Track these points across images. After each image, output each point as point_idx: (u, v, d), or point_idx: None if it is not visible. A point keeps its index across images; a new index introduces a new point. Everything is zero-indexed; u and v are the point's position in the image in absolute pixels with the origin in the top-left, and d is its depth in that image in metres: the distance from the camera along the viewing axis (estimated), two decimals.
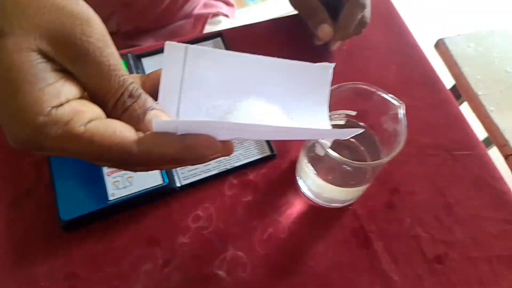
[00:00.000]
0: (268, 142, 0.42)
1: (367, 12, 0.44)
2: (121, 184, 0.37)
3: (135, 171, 0.24)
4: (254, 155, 0.41)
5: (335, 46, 0.44)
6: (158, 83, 0.24)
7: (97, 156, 0.21)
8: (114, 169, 0.37)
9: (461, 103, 0.69)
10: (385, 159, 0.31)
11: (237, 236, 0.38)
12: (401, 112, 0.32)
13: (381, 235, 0.38)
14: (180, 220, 0.38)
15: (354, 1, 0.42)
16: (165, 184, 0.37)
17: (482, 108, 0.60)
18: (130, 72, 0.43)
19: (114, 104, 0.22)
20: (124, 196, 0.37)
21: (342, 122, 0.38)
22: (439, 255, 0.38)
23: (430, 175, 0.42)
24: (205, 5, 0.73)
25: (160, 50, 0.47)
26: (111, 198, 0.36)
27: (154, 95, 0.23)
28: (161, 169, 0.25)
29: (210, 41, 0.48)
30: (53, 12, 0.20)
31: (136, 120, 0.22)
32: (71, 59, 0.21)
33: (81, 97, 0.22)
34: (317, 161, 0.36)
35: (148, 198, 0.38)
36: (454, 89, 0.67)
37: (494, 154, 0.61)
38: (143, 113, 0.22)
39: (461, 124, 0.45)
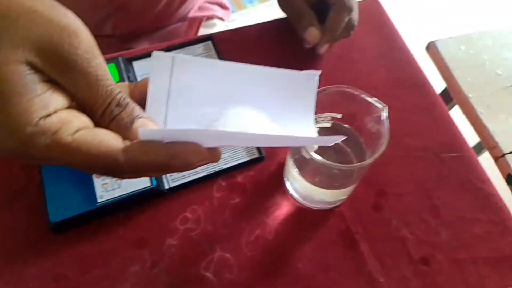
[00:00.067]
0: None
1: (355, 15, 0.44)
2: (109, 186, 0.38)
3: (123, 178, 0.24)
4: (243, 158, 0.42)
5: (323, 49, 0.45)
6: (146, 91, 0.24)
7: (84, 165, 0.22)
8: None
9: (452, 106, 0.70)
10: (367, 161, 0.31)
11: (225, 237, 0.38)
12: (384, 114, 0.32)
13: (368, 237, 0.39)
14: (168, 222, 0.38)
15: (340, 4, 0.42)
16: (153, 186, 0.38)
17: (472, 111, 0.60)
18: (121, 75, 0.43)
19: (102, 113, 0.22)
20: (112, 198, 0.37)
21: (328, 125, 0.38)
22: (425, 257, 0.38)
23: (417, 177, 0.42)
24: (200, 8, 0.74)
25: (150, 54, 0.47)
26: (99, 200, 0.37)
27: (143, 104, 0.24)
28: (148, 176, 0.25)
29: (200, 44, 0.49)
30: (42, 25, 0.20)
31: (124, 129, 0.23)
32: (59, 70, 0.21)
33: (70, 107, 0.22)
34: (303, 164, 0.36)
35: (136, 200, 0.38)
36: (445, 92, 0.67)
37: (488, 158, 0.61)
38: (130, 122, 0.23)
39: (448, 126, 0.45)
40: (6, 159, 0.40)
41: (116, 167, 0.22)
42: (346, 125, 0.37)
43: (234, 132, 0.24)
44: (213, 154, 0.24)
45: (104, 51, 0.49)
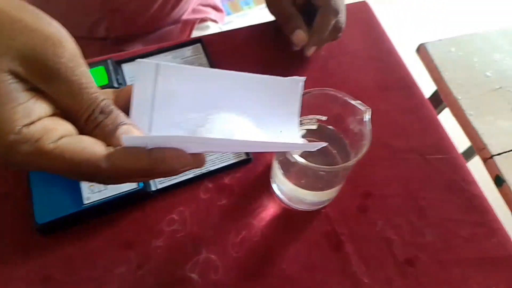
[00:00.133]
0: None
1: (342, 18, 0.44)
2: (96, 188, 0.38)
3: (106, 184, 0.24)
4: (230, 159, 0.42)
5: (311, 51, 0.45)
6: (130, 98, 0.24)
7: (67, 171, 0.22)
8: None
9: (443, 108, 0.70)
10: (350, 162, 0.32)
11: (211, 239, 0.38)
12: (367, 116, 0.33)
13: (353, 238, 0.39)
14: (154, 223, 0.39)
15: (327, 7, 0.42)
16: (140, 188, 0.38)
17: (462, 112, 0.61)
18: (110, 78, 0.43)
19: (85, 120, 0.23)
20: (99, 200, 0.37)
21: (314, 127, 0.38)
22: (410, 258, 0.38)
23: (403, 179, 0.42)
24: (194, 11, 0.74)
25: (139, 56, 0.48)
26: (86, 202, 0.37)
27: (128, 110, 0.24)
28: (132, 182, 0.26)
29: (190, 47, 0.49)
30: (26, 34, 0.21)
31: (108, 135, 0.23)
32: (43, 79, 0.22)
33: (54, 115, 0.23)
34: (288, 166, 0.36)
35: (123, 202, 0.38)
36: (436, 94, 0.68)
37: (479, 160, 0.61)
38: (114, 129, 0.23)
39: (435, 128, 0.46)
40: None
41: (99, 174, 0.22)
42: (331, 127, 0.38)
43: (217, 138, 0.25)
44: (197, 159, 0.24)
45: (98, 54, 0.49)
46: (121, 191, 0.38)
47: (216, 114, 0.26)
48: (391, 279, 0.37)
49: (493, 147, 0.57)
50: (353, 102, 0.34)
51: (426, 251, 0.39)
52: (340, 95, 0.34)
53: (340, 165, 0.33)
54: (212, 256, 0.37)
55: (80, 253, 0.37)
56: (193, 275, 0.36)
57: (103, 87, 0.42)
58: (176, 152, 0.23)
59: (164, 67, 0.25)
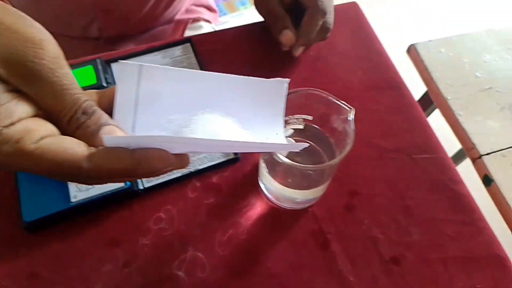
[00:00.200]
0: None
1: (330, 18, 0.45)
2: (83, 186, 0.38)
3: (89, 184, 0.25)
4: (218, 158, 0.42)
5: (299, 51, 0.45)
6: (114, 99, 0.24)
7: (49, 172, 0.22)
8: None
9: (434, 109, 0.70)
10: (334, 161, 0.32)
11: (198, 237, 0.38)
12: (351, 116, 0.33)
13: (339, 237, 0.39)
14: (142, 222, 0.39)
15: (314, 8, 0.43)
16: (127, 187, 0.38)
17: (451, 113, 0.61)
18: (98, 77, 0.44)
19: (68, 121, 0.23)
20: (86, 198, 0.37)
21: (301, 127, 0.39)
22: (396, 256, 0.39)
23: (390, 178, 0.43)
24: (187, 11, 0.75)
25: (129, 56, 0.48)
26: (73, 200, 0.37)
27: (111, 111, 0.24)
28: (115, 182, 0.26)
29: (180, 47, 0.49)
30: (7, 36, 0.21)
31: (90, 136, 0.23)
32: (24, 80, 0.22)
33: (36, 115, 0.23)
34: (274, 165, 0.36)
35: (110, 201, 0.38)
36: (426, 95, 0.68)
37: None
38: (97, 129, 0.23)
39: (423, 128, 0.46)
40: None
41: (81, 174, 0.22)
42: (316, 126, 0.38)
43: (201, 138, 0.25)
44: (180, 160, 0.24)
45: (90, 54, 0.50)
46: (108, 190, 0.38)
47: (200, 115, 0.26)
48: (377, 277, 0.38)
49: (482, 147, 0.58)
50: (337, 102, 0.34)
51: (412, 250, 0.39)
52: (325, 95, 0.34)
53: (323, 164, 0.33)
54: (199, 254, 0.38)
55: (67, 251, 0.37)
56: (180, 273, 0.37)
57: (91, 86, 0.42)
58: (159, 153, 0.23)
59: (147, 68, 0.25)
